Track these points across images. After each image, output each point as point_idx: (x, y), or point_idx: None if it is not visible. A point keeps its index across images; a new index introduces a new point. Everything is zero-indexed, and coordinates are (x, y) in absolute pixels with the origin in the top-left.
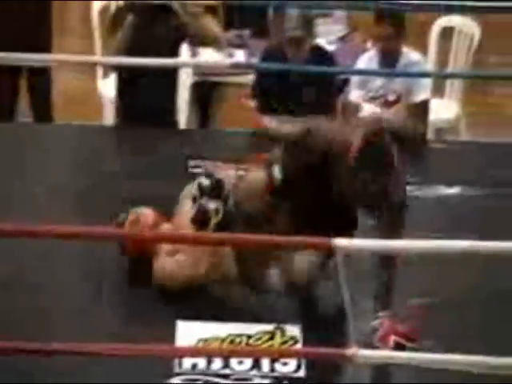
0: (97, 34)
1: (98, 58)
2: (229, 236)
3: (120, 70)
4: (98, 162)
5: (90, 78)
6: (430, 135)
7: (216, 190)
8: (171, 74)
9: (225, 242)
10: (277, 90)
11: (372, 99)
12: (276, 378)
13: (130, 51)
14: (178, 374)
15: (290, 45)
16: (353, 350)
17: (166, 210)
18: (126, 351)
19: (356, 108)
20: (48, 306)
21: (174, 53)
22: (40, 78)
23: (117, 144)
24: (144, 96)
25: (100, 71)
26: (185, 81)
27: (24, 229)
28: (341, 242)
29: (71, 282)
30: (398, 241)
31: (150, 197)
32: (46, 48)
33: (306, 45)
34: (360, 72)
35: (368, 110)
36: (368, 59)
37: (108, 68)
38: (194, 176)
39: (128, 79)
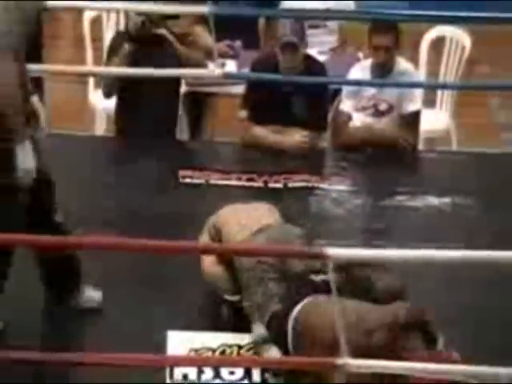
0: (88, 43)
1: (89, 68)
2: None
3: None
4: (88, 172)
5: (80, 89)
6: (421, 145)
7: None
8: (172, 88)
9: None
10: (268, 100)
11: (363, 109)
12: None
13: (128, 78)
14: None
15: (284, 51)
16: (343, 360)
17: (157, 221)
18: (116, 360)
19: (347, 118)
20: None
21: (172, 79)
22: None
23: (107, 154)
24: (145, 109)
25: (91, 82)
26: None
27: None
28: (334, 250)
29: None
30: (390, 250)
31: (139, 208)
32: (37, 58)
33: (300, 52)
34: (351, 82)
35: (359, 119)
36: (360, 69)
37: (103, 91)
38: (184, 186)
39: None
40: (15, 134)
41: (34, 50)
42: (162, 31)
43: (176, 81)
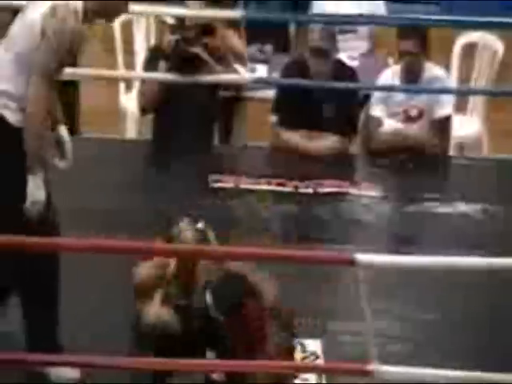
0: (119, 47)
1: (122, 72)
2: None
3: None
4: (120, 176)
5: (112, 92)
6: (452, 151)
7: None
8: (210, 98)
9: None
10: (298, 105)
11: (394, 114)
12: None
13: (166, 95)
14: None
15: (314, 56)
16: (374, 366)
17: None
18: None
19: (378, 123)
20: None
21: (213, 96)
22: (68, 91)
23: (137, 158)
24: (183, 114)
25: (122, 85)
26: None
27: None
28: (362, 256)
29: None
30: (419, 257)
31: (169, 212)
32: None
33: (330, 57)
34: (382, 88)
35: (390, 125)
36: (391, 74)
37: (139, 107)
38: (214, 190)
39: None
40: (29, 164)
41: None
42: (197, 50)
43: (213, 92)
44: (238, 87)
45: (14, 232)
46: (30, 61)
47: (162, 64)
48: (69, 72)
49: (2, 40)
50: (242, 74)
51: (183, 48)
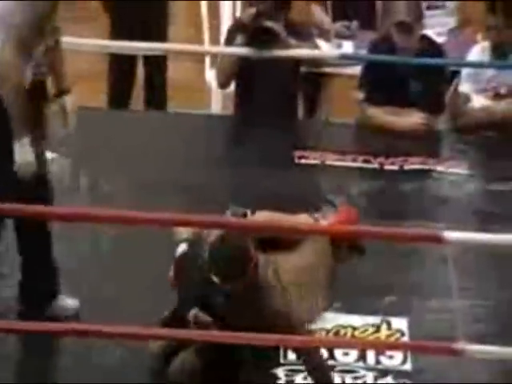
0: (205, 23)
1: (208, 47)
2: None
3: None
4: (206, 151)
5: (197, 68)
6: None
7: None
8: (291, 71)
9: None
10: (385, 81)
11: (482, 91)
12: (381, 370)
13: (245, 70)
14: (283, 365)
15: (399, 31)
16: (461, 345)
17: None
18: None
19: (466, 100)
20: None
21: (294, 70)
22: (157, 66)
23: (223, 133)
24: (265, 88)
25: (207, 61)
26: None
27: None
28: (450, 234)
29: None
30: (506, 235)
31: (255, 188)
32: (163, 38)
33: (415, 32)
34: (470, 64)
35: (478, 102)
36: (480, 51)
37: (218, 81)
38: (300, 166)
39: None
40: (14, 130)
41: (158, 28)
42: (271, 24)
43: (294, 66)
44: (317, 63)
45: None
46: None
47: (239, 38)
48: (154, 47)
49: None
50: (325, 49)
51: (260, 21)
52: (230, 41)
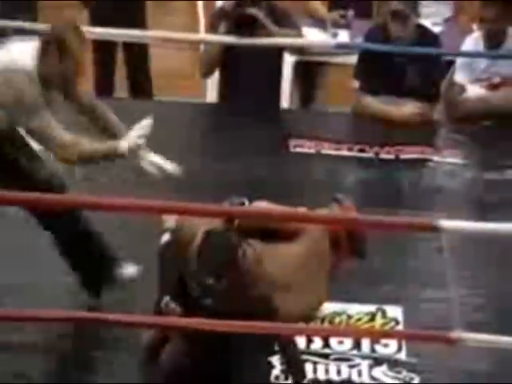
0: (201, 11)
1: (202, 36)
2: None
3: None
4: (196, 140)
5: (193, 56)
6: None
7: None
8: (274, 59)
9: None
10: (380, 71)
11: (477, 81)
12: (376, 359)
13: (228, 58)
14: (278, 352)
15: (394, 20)
16: (457, 333)
17: (268, 190)
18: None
19: (461, 90)
20: None
21: (278, 58)
22: (137, 54)
23: (217, 122)
24: (248, 76)
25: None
26: (288, 60)
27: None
28: (446, 222)
29: None
30: (502, 223)
31: (252, 177)
32: (141, 24)
33: (410, 22)
34: (465, 54)
35: (473, 91)
36: (474, 41)
37: (201, 71)
38: (295, 155)
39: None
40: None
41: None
42: (253, 11)
43: (277, 54)
44: (301, 50)
45: None
46: None
47: (222, 26)
48: (140, 35)
49: None
50: (320, 38)
51: (242, 7)
52: (213, 28)
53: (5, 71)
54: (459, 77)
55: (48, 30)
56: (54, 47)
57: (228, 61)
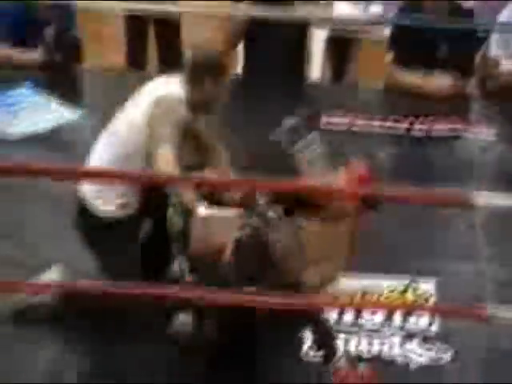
0: None
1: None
2: None
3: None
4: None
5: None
6: None
7: None
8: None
9: None
10: (413, 43)
11: None
12: (408, 332)
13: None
14: None
15: None
16: (489, 309)
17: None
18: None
19: (495, 64)
20: None
21: (303, 31)
22: (168, 27)
23: (245, 96)
24: (271, 48)
25: None
26: (320, 35)
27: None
28: (479, 198)
29: None
30: None
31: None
32: None
33: None
34: (499, 27)
35: (507, 66)
36: (510, 14)
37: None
38: (327, 131)
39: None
40: None
41: None
42: None
43: (303, 28)
44: (326, 23)
45: None
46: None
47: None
48: (170, 9)
49: (106, 133)
50: (353, 11)
51: None
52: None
53: (159, 98)
54: (494, 51)
55: (190, 57)
56: (199, 73)
57: (251, 33)
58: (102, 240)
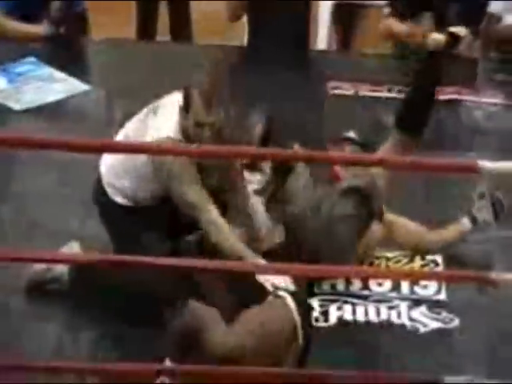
0: None
1: None
2: None
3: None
4: (236, 82)
5: None
6: None
7: None
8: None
9: None
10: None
11: None
12: (415, 300)
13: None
14: (317, 295)
15: None
16: (496, 274)
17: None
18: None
19: (497, 19)
20: None
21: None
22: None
23: (255, 64)
24: (276, 18)
25: None
26: (326, 3)
27: None
28: (486, 163)
29: None
30: None
31: (292, 118)
32: None
33: None
34: None
35: (510, 20)
36: None
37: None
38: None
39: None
40: None
41: None
42: None
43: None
44: None
45: None
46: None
47: None
48: None
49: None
50: None
51: None
52: None
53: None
54: (495, 6)
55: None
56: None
57: (252, 3)
58: (120, 223)
